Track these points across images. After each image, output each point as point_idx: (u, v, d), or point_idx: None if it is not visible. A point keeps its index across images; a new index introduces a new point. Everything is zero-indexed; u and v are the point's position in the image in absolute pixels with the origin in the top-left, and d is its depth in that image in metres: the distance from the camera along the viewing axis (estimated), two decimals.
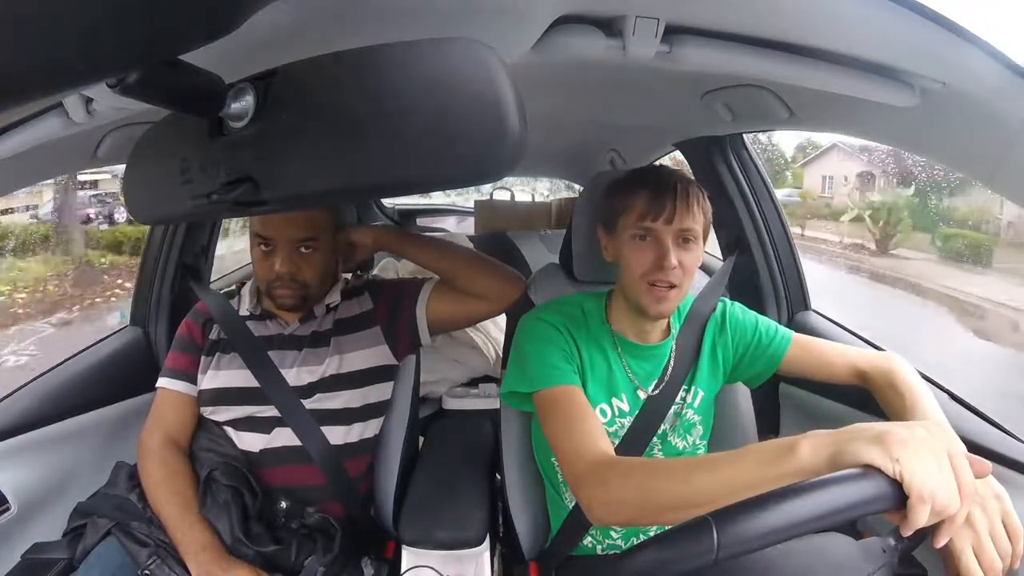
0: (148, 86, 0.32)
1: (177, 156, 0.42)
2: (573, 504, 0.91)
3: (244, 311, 1.05)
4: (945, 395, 0.91)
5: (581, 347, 0.87)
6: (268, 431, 0.96)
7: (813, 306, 1.29)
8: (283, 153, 0.36)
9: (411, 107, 0.33)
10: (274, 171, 0.37)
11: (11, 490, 1.00)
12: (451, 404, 1.86)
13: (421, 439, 1.28)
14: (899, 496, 0.45)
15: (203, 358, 1.02)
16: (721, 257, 1.44)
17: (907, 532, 0.46)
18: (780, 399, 1.23)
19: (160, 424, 0.99)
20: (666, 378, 0.90)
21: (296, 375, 0.99)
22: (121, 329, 1.39)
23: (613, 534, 0.92)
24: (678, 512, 0.57)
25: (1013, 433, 0.83)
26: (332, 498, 0.98)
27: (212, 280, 1.59)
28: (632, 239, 0.82)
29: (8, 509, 0.99)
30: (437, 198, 3.83)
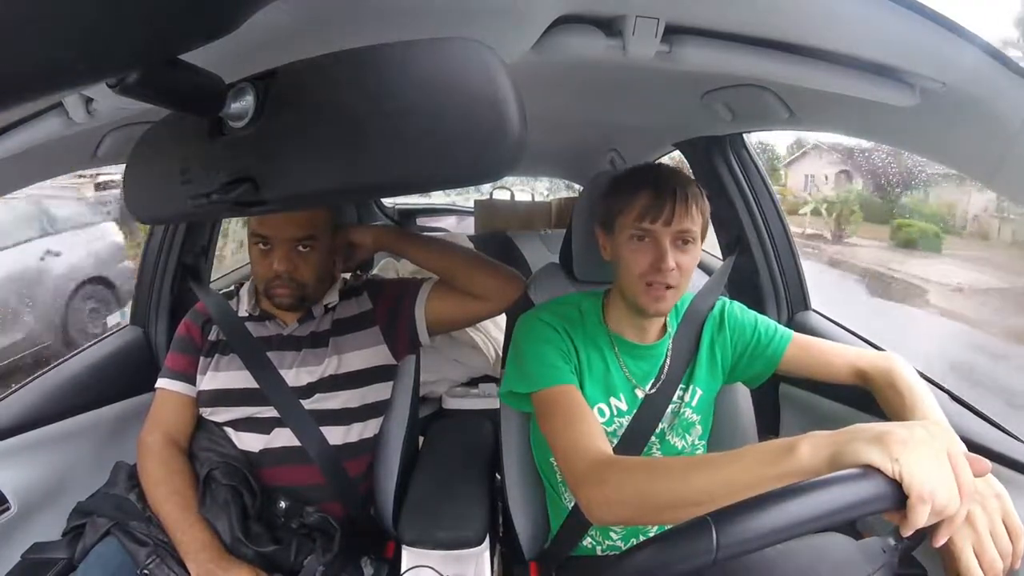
0: (148, 86, 0.32)
1: (177, 156, 0.42)
2: (573, 504, 0.91)
3: (243, 312, 1.05)
4: (945, 395, 0.92)
5: (579, 347, 0.87)
6: (267, 431, 0.96)
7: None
8: (283, 153, 0.36)
9: (411, 107, 0.33)
10: (274, 171, 0.37)
11: (11, 490, 1.00)
12: (451, 404, 1.87)
13: (421, 439, 1.28)
14: (899, 496, 0.45)
15: (202, 359, 1.02)
16: (721, 257, 1.44)
17: (907, 532, 0.46)
18: (780, 399, 1.23)
19: (159, 424, 0.99)
20: (663, 377, 0.90)
21: (295, 376, 0.99)
22: (121, 329, 1.40)
23: (613, 534, 0.92)
24: (677, 511, 0.58)
25: (1013, 433, 0.83)
26: (332, 498, 0.98)
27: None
28: (630, 239, 0.82)
29: (8, 509, 0.99)
30: (437, 198, 3.83)
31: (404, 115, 0.33)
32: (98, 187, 4.37)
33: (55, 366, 1.21)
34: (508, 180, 3.17)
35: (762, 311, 0.97)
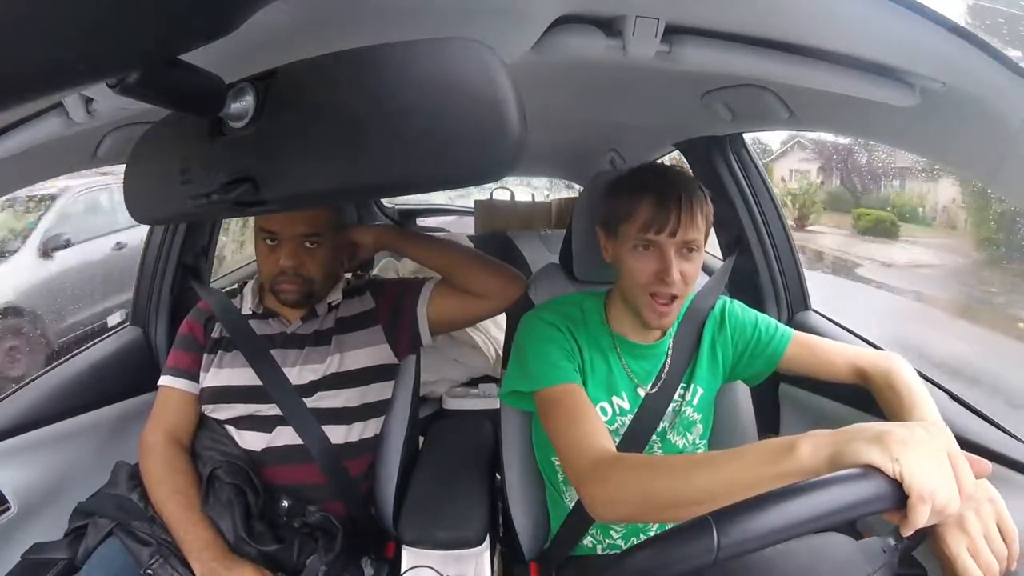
0: (148, 86, 0.32)
1: (177, 156, 0.42)
2: (573, 504, 0.91)
3: (246, 310, 1.05)
4: (945, 395, 0.92)
5: (582, 346, 0.87)
6: (270, 430, 0.96)
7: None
8: (283, 153, 0.36)
9: (411, 107, 0.33)
10: (274, 171, 0.37)
11: (11, 490, 1.00)
12: (451, 404, 1.87)
13: (421, 439, 1.28)
14: (899, 496, 0.45)
15: (205, 356, 1.02)
16: (721, 257, 1.44)
17: (907, 532, 0.46)
18: (780, 399, 1.23)
19: (162, 422, 0.99)
20: (664, 376, 0.90)
21: (298, 374, 0.99)
22: (121, 329, 1.40)
23: (613, 534, 0.92)
24: (678, 510, 0.58)
25: (1013, 433, 0.83)
26: (333, 497, 0.98)
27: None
28: (634, 248, 0.81)
29: (8, 509, 0.99)
30: (437, 198, 3.83)
31: (404, 115, 0.33)
32: None
33: (55, 366, 1.21)
34: (508, 180, 3.17)
35: (762, 311, 0.97)
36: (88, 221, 3.83)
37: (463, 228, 3.16)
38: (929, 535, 0.54)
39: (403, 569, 0.93)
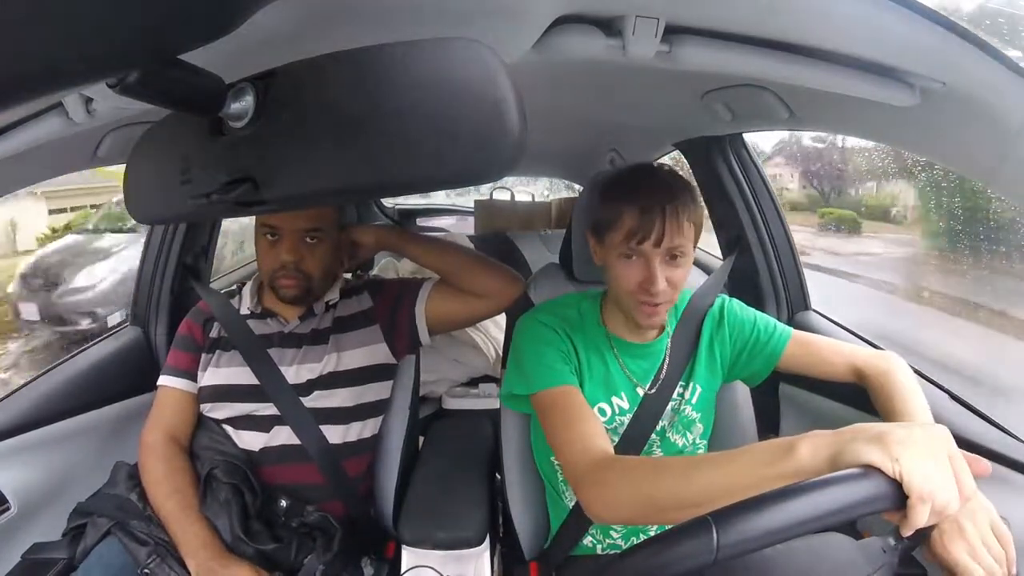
0: (148, 86, 0.32)
1: (177, 156, 0.42)
2: (573, 504, 0.91)
3: (244, 310, 1.05)
4: (945, 395, 0.92)
5: (579, 348, 0.87)
6: (267, 430, 0.96)
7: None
8: (283, 153, 0.36)
9: (411, 107, 0.33)
10: (274, 171, 0.37)
11: (11, 490, 1.00)
12: (451, 404, 1.87)
13: (421, 439, 1.28)
14: (899, 496, 0.45)
15: (203, 356, 1.02)
16: (721, 257, 1.43)
17: (907, 532, 0.47)
18: (780, 399, 1.23)
19: (161, 422, 0.99)
20: (662, 375, 0.90)
21: (296, 373, 0.99)
22: (121, 329, 1.40)
23: (613, 534, 0.92)
24: (678, 511, 0.58)
25: (1013, 433, 0.83)
26: (332, 497, 0.98)
27: None
28: (620, 257, 0.80)
29: (8, 509, 0.99)
30: (437, 198, 3.83)
31: (404, 115, 0.33)
32: None
33: (55, 366, 1.21)
34: (508, 180, 3.17)
35: (762, 311, 0.97)
36: None
37: (463, 229, 3.17)
38: (927, 543, 0.55)
39: (403, 569, 0.93)
